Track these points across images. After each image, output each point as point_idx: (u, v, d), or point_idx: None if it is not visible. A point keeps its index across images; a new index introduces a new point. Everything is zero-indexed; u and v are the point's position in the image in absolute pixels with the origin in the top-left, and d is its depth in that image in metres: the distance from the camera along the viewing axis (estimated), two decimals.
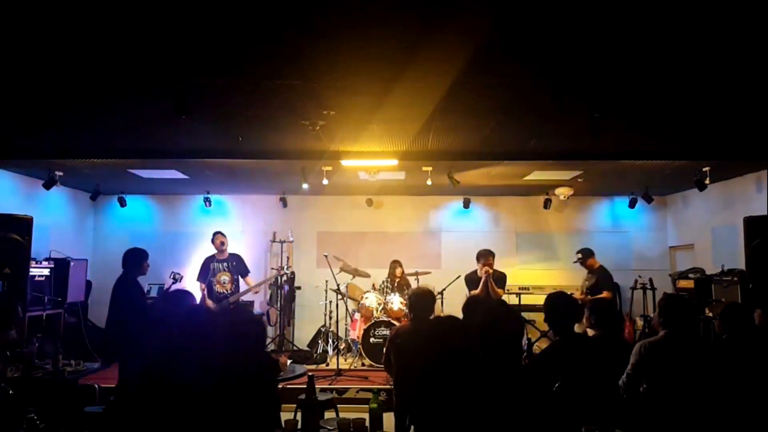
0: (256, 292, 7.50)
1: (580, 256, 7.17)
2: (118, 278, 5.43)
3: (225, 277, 7.14)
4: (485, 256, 6.51)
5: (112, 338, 5.50)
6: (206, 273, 7.17)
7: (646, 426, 3.23)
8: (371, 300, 7.71)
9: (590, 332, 3.72)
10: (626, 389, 3.33)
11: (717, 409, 3.19)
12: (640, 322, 8.19)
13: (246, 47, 3.31)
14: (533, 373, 3.03)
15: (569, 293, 3.68)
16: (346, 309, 7.96)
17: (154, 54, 3.41)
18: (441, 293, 7.61)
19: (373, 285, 8.20)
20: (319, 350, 7.82)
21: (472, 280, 6.62)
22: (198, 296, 7.17)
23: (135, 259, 5.42)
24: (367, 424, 3.03)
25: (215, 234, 7.35)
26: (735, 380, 3.31)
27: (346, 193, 9.02)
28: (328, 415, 4.25)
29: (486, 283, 6.40)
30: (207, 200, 8.87)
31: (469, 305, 3.86)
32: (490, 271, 6.45)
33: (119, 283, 5.39)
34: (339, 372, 6.74)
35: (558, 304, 3.35)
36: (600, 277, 6.88)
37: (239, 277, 7.29)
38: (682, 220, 8.87)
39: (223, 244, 7.23)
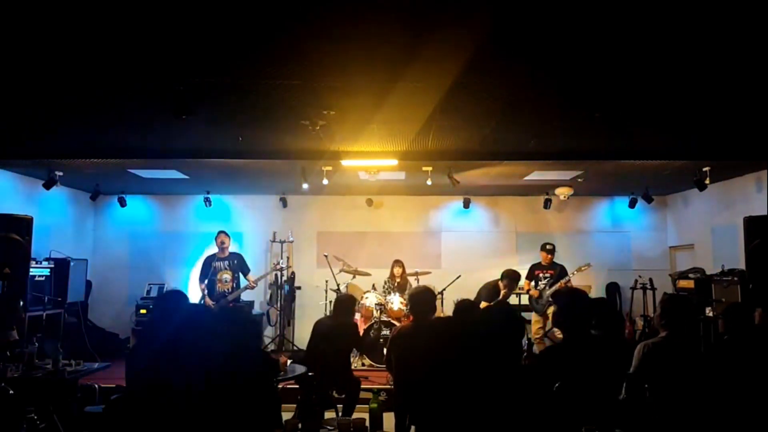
0: (253, 287, 7.47)
1: (551, 247, 7.68)
2: None
3: (227, 276, 7.14)
4: (514, 280, 6.99)
5: None
6: (207, 272, 7.13)
7: (648, 427, 3.22)
8: (371, 300, 7.70)
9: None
10: (630, 390, 3.29)
11: (718, 410, 3.18)
12: (640, 322, 8.19)
13: (246, 47, 3.31)
14: (533, 373, 3.03)
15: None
16: None
17: (154, 54, 3.41)
18: (441, 293, 7.62)
19: (373, 285, 8.20)
20: None
21: (488, 291, 6.97)
22: (198, 296, 7.19)
23: None
24: (367, 424, 3.03)
25: (217, 233, 7.38)
26: (736, 381, 3.30)
27: (346, 193, 9.01)
28: (328, 415, 4.25)
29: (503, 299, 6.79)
30: (207, 200, 8.86)
31: (462, 310, 3.87)
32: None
33: None
34: None
35: (573, 303, 3.27)
36: (561, 271, 7.42)
37: (240, 275, 7.29)
38: (682, 220, 8.86)
39: (223, 243, 7.23)
